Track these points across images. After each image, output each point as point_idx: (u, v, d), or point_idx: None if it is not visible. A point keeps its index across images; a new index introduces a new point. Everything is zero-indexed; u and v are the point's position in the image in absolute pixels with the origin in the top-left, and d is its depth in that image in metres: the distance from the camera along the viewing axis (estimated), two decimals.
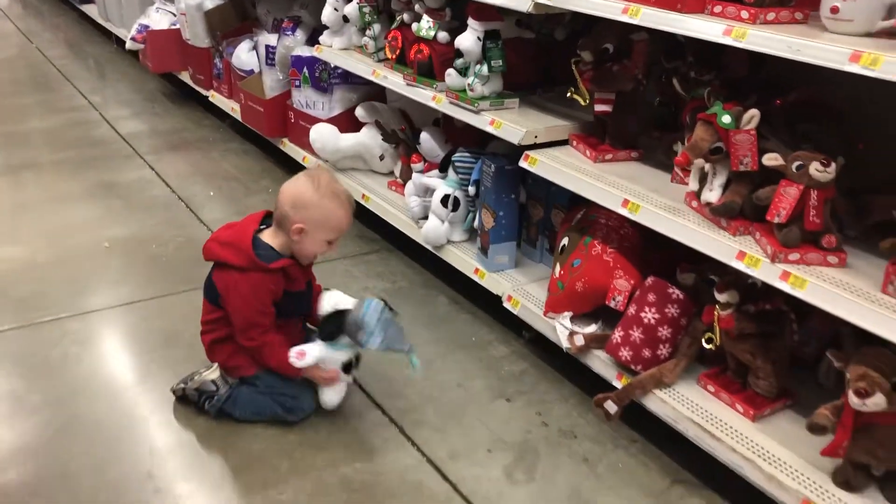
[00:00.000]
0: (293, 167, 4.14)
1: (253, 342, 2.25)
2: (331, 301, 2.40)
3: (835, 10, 1.75)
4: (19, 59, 6.46)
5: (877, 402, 1.70)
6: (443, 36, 2.87)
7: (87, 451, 2.19)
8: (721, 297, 2.04)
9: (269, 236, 2.27)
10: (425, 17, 2.90)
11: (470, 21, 2.64)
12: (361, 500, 2.07)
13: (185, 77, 5.23)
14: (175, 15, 5.16)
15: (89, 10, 7.32)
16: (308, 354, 2.22)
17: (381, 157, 3.56)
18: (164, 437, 2.27)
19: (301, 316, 2.42)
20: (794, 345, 2.12)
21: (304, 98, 3.85)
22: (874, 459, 1.80)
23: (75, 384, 2.48)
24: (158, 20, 5.23)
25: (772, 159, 1.87)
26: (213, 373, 2.29)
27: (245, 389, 2.31)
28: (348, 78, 3.72)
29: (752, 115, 1.91)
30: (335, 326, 2.23)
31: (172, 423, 2.32)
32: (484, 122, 2.66)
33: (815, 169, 1.80)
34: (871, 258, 1.90)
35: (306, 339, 2.37)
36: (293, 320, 2.38)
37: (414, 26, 2.95)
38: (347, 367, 2.30)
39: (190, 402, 2.35)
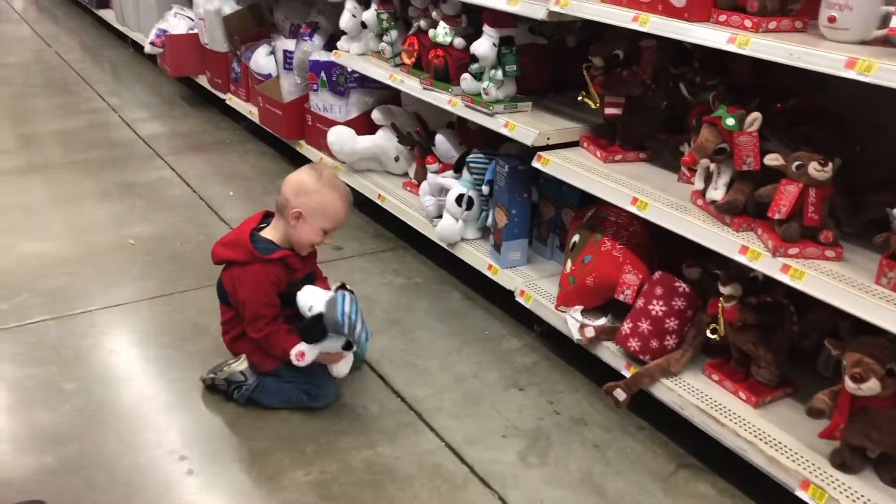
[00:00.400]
0: None
1: (260, 333, 2.36)
2: (306, 300, 2.33)
3: (832, 20, 1.87)
4: (38, 63, 6.60)
5: (871, 386, 1.81)
6: (458, 42, 2.99)
7: (121, 435, 2.31)
8: (725, 290, 2.15)
9: (268, 232, 2.43)
10: (442, 24, 3.03)
11: (485, 28, 2.76)
12: (384, 480, 2.18)
13: (203, 80, 5.36)
14: (193, 20, 5.29)
15: (105, 14, 7.46)
16: (307, 355, 2.32)
17: (396, 159, 3.68)
18: (194, 423, 2.39)
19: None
20: (794, 336, 2.23)
21: (322, 101, 3.97)
22: (869, 442, 1.90)
23: (106, 372, 2.60)
24: (176, 25, 5.36)
25: (773, 159, 1.98)
26: (241, 363, 2.41)
27: (271, 379, 2.43)
28: (364, 82, 3.84)
29: (755, 118, 2.03)
30: (320, 332, 2.29)
31: (202, 410, 2.44)
32: (498, 124, 2.77)
33: (813, 168, 1.91)
34: (866, 252, 2.00)
35: None
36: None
37: (430, 32, 3.07)
38: (348, 345, 2.35)
39: (219, 390, 2.47)
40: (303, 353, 2.32)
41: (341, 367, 2.43)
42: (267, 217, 2.50)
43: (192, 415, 2.42)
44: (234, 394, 2.43)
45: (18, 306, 2.93)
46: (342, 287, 2.40)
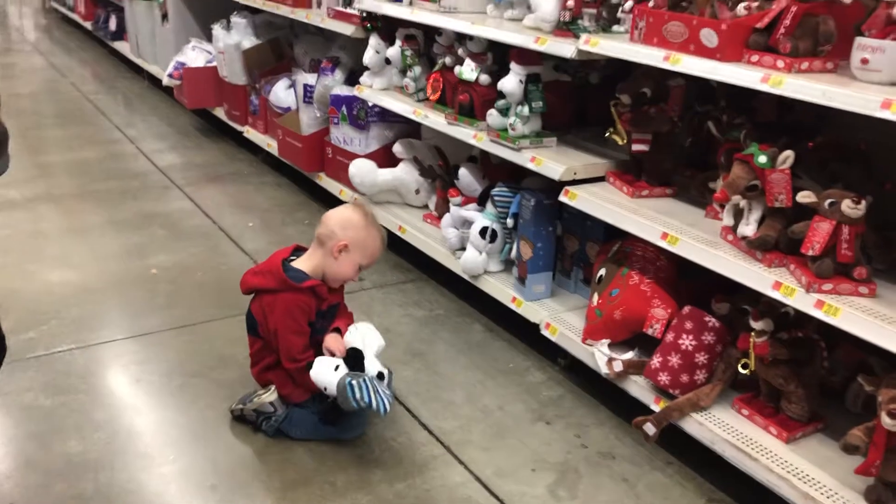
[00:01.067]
0: (328, 200, 4.30)
1: (295, 363, 2.38)
2: (319, 379, 2.33)
3: (864, 62, 1.91)
4: (55, 93, 6.67)
5: None
6: (484, 78, 3.05)
7: (151, 463, 2.32)
8: (756, 325, 2.18)
9: (300, 262, 2.46)
10: (468, 61, 3.08)
11: (512, 65, 2.81)
12: None
13: (220, 113, 5.42)
14: (211, 53, 5.37)
15: (120, 46, 7.55)
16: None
17: (417, 191, 3.72)
18: (224, 453, 2.39)
19: (324, 334, 2.52)
20: (824, 371, 2.25)
21: (342, 135, 4.02)
22: None
23: (135, 401, 2.61)
24: (195, 58, 5.43)
25: (806, 196, 2.02)
26: (271, 395, 2.42)
27: (300, 411, 2.44)
28: (385, 116, 3.89)
29: (787, 156, 2.07)
30: (339, 412, 2.36)
31: (231, 440, 2.45)
32: (524, 159, 2.82)
33: (847, 206, 1.94)
34: None
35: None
36: (320, 338, 2.50)
37: (456, 69, 3.13)
38: (381, 377, 2.35)
39: (247, 421, 2.48)
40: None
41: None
42: (297, 251, 2.53)
43: (222, 444, 2.42)
44: (262, 425, 2.44)
45: (46, 334, 2.95)
46: (351, 353, 2.35)
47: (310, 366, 2.33)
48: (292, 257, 2.50)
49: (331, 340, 2.43)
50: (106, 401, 2.59)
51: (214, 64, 5.28)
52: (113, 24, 7.67)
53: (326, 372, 2.30)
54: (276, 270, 2.40)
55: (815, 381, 2.22)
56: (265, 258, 2.54)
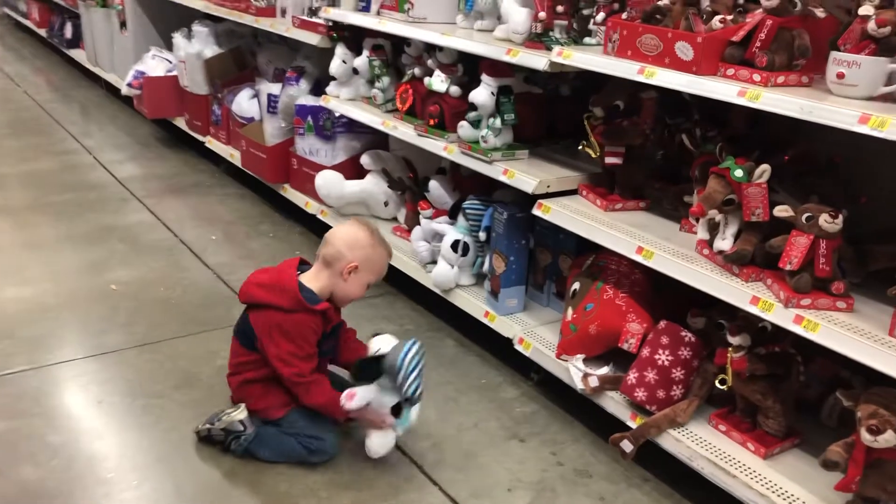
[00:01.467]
0: (293, 212, 4.23)
1: (302, 380, 2.30)
2: (376, 343, 2.48)
3: (840, 76, 1.91)
4: (7, 102, 6.48)
5: (888, 438, 1.81)
6: (454, 90, 3.01)
7: (113, 490, 2.22)
8: (734, 341, 2.16)
9: (308, 280, 2.37)
10: (437, 72, 3.04)
11: (484, 77, 2.78)
12: None
13: (180, 123, 5.31)
14: (171, 62, 5.26)
15: (76, 54, 7.38)
16: (358, 396, 2.27)
17: (386, 204, 3.67)
18: (190, 477, 2.30)
19: (327, 357, 2.49)
20: (801, 386, 2.24)
21: (308, 145, 3.95)
22: (884, 493, 1.90)
23: (95, 424, 2.51)
24: (154, 67, 5.32)
25: (783, 211, 2.01)
26: (240, 413, 2.34)
27: (271, 430, 2.36)
28: (352, 127, 3.83)
29: (764, 170, 2.05)
30: (374, 371, 2.30)
31: (196, 464, 2.36)
32: (497, 171, 2.78)
33: (824, 220, 1.93)
34: (874, 303, 2.03)
35: (332, 380, 2.43)
36: (324, 360, 2.45)
37: (426, 80, 3.08)
38: (397, 411, 2.32)
39: (213, 442, 2.39)
40: (353, 393, 2.27)
41: (378, 447, 2.33)
42: (301, 265, 2.44)
43: (188, 468, 2.33)
44: (231, 444, 2.35)
45: None
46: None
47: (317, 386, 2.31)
48: (298, 272, 2.41)
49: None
50: (63, 424, 2.48)
51: (175, 73, 5.17)
52: (69, 32, 7.49)
53: (385, 340, 2.44)
54: (291, 289, 2.29)
55: (792, 395, 2.21)
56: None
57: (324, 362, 2.45)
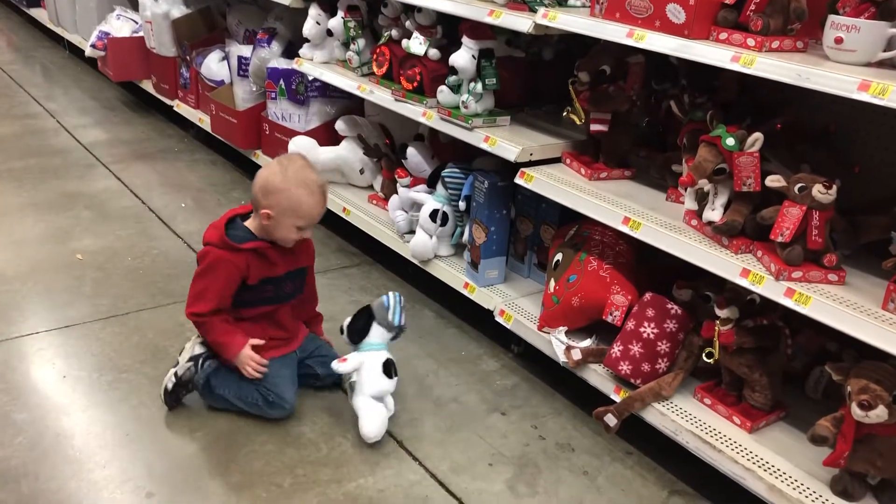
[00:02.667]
0: None
1: (200, 320, 2.29)
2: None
3: (839, 41, 1.84)
4: None
5: (879, 414, 1.78)
6: (433, 53, 2.90)
7: (81, 469, 2.13)
8: (722, 313, 2.11)
9: (250, 221, 2.34)
10: (416, 34, 2.93)
11: (465, 39, 2.67)
12: None
13: (147, 86, 5.13)
14: (137, 23, 5.06)
15: (37, 13, 7.11)
16: (350, 359, 2.33)
17: (361, 171, 3.57)
18: (161, 454, 2.22)
19: (289, 302, 2.45)
20: (788, 359, 2.20)
21: (280, 110, 3.82)
22: (873, 468, 1.88)
23: (61, 400, 2.41)
24: (119, 27, 5.11)
25: (775, 181, 1.95)
26: (197, 339, 2.37)
27: (236, 373, 2.35)
28: (326, 91, 3.72)
29: (756, 138, 1.99)
30: (362, 323, 2.36)
31: (169, 440, 2.28)
32: (478, 138, 2.69)
33: (818, 191, 1.88)
34: (866, 276, 1.99)
35: (311, 339, 2.52)
36: (281, 308, 2.42)
37: (403, 43, 2.97)
38: (388, 369, 2.33)
39: (179, 398, 2.37)
40: (346, 359, 2.33)
41: (371, 428, 2.28)
42: None
43: (159, 445, 2.25)
44: (195, 377, 2.34)
45: None
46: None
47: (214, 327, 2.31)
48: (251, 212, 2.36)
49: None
50: (28, 400, 2.38)
51: (141, 34, 4.98)
52: None
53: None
54: (219, 226, 2.29)
55: (779, 369, 2.17)
56: (199, 241, 2.39)
57: (283, 310, 2.43)
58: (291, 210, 2.25)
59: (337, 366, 2.32)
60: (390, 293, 2.40)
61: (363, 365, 2.32)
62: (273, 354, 2.38)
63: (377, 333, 2.36)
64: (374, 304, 2.38)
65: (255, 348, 2.33)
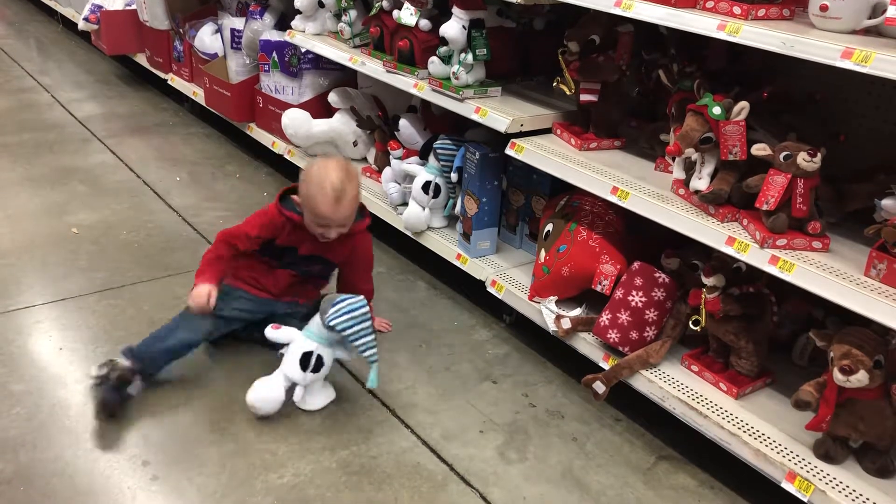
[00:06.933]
0: (259, 152, 4.13)
1: (223, 236, 2.42)
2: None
3: (824, 8, 1.84)
4: None
5: (860, 378, 1.81)
6: (424, 24, 2.89)
7: (77, 439, 2.17)
8: (708, 281, 2.13)
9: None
10: (407, 5, 2.92)
11: (455, 10, 2.67)
12: (361, 481, 2.10)
13: (141, 59, 5.12)
14: None
15: None
16: (282, 330, 2.33)
17: (355, 143, 3.57)
18: (156, 425, 2.25)
19: (287, 269, 2.52)
20: (774, 326, 2.22)
21: (273, 83, 3.82)
22: (855, 432, 1.91)
23: (58, 372, 2.44)
24: (112, 0, 5.08)
25: (760, 149, 1.96)
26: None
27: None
28: (319, 63, 3.71)
29: (742, 107, 2.00)
30: (313, 307, 2.37)
31: (163, 410, 2.31)
32: (469, 109, 2.69)
33: (802, 159, 1.89)
34: (850, 243, 2.01)
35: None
36: (288, 273, 2.51)
37: (394, 13, 2.96)
38: (305, 360, 2.28)
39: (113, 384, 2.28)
40: (279, 326, 2.34)
41: (255, 391, 2.28)
42: None
43: (153, 416, 2.28)
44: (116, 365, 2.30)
45: None
46: None
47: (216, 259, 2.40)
48: None
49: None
50: (25, 372, 2.41)
51: (134, 7, 4.95)
52: None
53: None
54: (279, 193, 2.44)
55: (765, 336, 2.20)
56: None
57: (282, 274, 2.51)
58: (309, 206, 2.35)
59: (269, 331, 2.32)
60: (354, 297, 2.28)
61: (291, 344, 2.31)
62: (240, 286, 2.49)
63: (315, 324, 2.31)
64: (326, 297, 2.31)
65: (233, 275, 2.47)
